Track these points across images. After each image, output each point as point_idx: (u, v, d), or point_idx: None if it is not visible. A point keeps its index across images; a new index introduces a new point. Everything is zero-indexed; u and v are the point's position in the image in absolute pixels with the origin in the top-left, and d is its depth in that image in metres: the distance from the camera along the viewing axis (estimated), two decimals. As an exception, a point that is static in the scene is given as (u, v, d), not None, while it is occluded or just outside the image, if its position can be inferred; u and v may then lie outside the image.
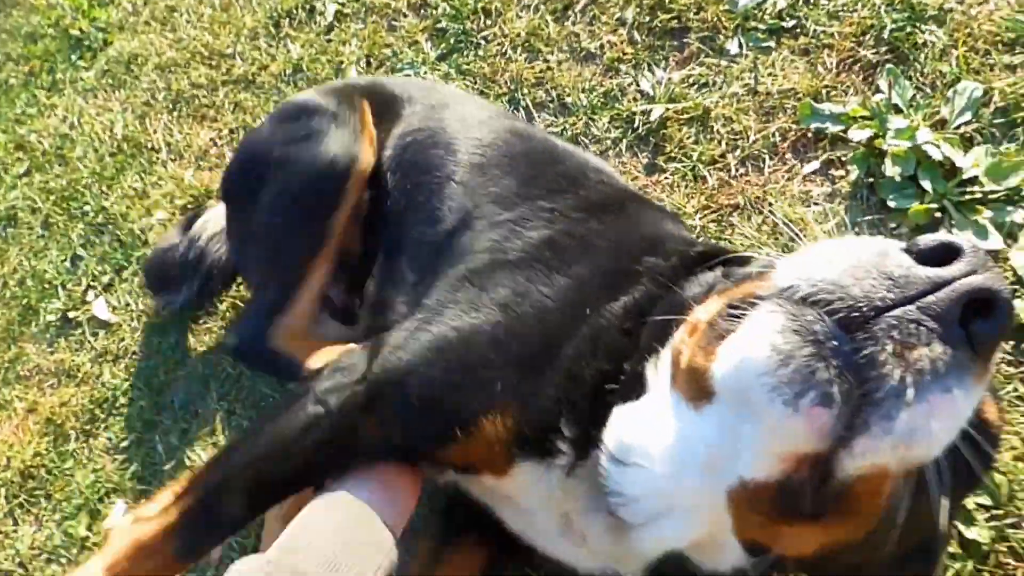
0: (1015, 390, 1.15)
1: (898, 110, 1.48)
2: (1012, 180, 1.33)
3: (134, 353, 1.77)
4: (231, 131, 2.04)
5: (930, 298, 0.53)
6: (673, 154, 1.60)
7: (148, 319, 1.81)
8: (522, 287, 0.97)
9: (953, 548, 1.05)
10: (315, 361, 1.25)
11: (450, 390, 0.90)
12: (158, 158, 2.07)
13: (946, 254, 0.55)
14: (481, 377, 0.89)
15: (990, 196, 1.33)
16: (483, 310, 0.95)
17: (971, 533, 1.05)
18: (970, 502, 1.07)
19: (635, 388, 0.82)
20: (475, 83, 1.88)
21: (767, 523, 0.68)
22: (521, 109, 1.79)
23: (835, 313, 0.55)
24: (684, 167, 1.58)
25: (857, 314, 0.54)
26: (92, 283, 1.89)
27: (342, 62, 2.06)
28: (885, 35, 1.55)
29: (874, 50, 1.56)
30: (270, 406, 1.57)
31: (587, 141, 1.69)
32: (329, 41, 2.11)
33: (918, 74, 1.51)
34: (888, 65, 1.53)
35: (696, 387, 0.66)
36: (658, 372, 0.79)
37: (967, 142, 1.41)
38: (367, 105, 1.34)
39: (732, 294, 0.68)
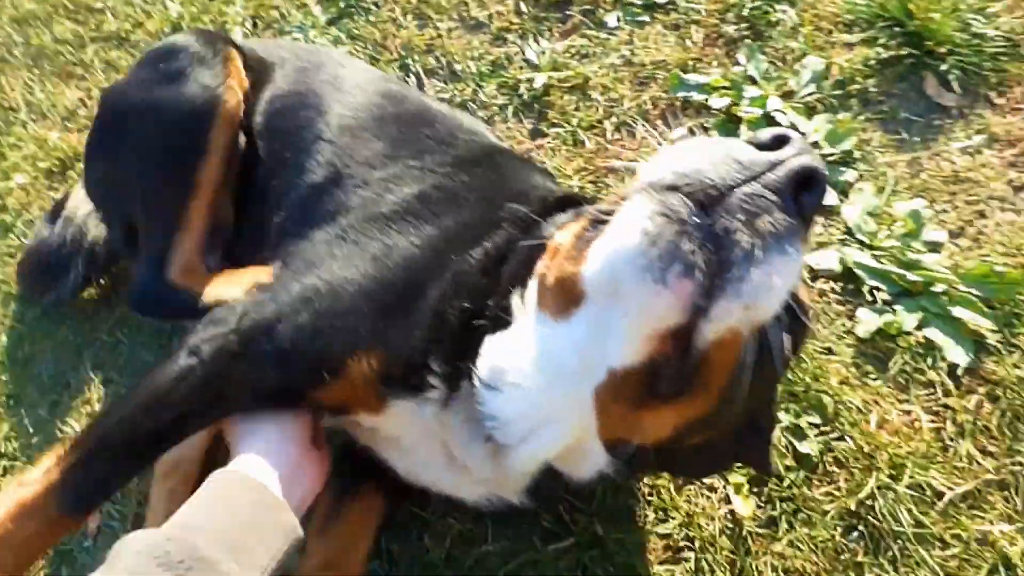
0: (842, 325, 1.31)
1: (753, 81, 1.62)
2: (846, 144, 1.49)
3: (-6, 325, 1.64)
4: (102, 91, 1.92)
5: (770, 175, 0.63)
6: (555, 120, 1.67)
7: (8, 288, 1.68)
8: (392, 239, 1.01)
9: (789, 462, 1.19)
10: (213, 288, 1.24)
11: (318, 336, 0.93)
12: (16, 118, 1.91)
13: (779, 143, 0.65)
14: (348, 323, 0.93)
15: (828, 158, 1.49)
16: (354, 263, 0.99)
17: (803, 447, 1.19)
18: (802, 421, 1.21)
19: (501, 320, 0.87)
20: (366, 48, 1.86)
21: (629, 414, 0.75)
22: (412, 75, 1.79)
23: (695, 195, 0.63)
24: (565, 132, 1.65)
25: (715, 192, 0.63)
26: (-60, 251, 1.73)
27: (226, 22, 1.98)
28: (745, 13, 1.69)
29: (735, 26, 1.69)
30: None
31: (475, 107, 1.73)
32: (211, -1, 2.02)
33: (772, 49, 1.66)
34: (747, 40, 1.67)
35: (565, 296, 0.72)
36: (524, 300, 0.85)
37: (810, 110, 1.56)
38: (235, 52, 1.30)
39: (596, 210, 0.75)
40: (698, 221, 0.62)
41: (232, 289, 1.21)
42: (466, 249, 0.96)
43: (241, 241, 1.30)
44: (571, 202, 1.01)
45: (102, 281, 1.59)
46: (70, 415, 1.49)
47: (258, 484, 0.84)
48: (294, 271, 1.03)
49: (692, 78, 1.64)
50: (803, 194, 0.63)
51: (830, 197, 1.44)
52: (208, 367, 0.93)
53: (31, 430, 1.50)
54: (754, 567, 1.13)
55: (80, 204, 1.48)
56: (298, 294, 0.96)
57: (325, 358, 0.92)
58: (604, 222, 0.70)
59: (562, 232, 0.79)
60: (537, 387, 0.79)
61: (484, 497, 1.03)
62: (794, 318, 0.73)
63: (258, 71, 1.34)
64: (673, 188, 0.64)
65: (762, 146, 0.65)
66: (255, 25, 1.97)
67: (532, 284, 0.83)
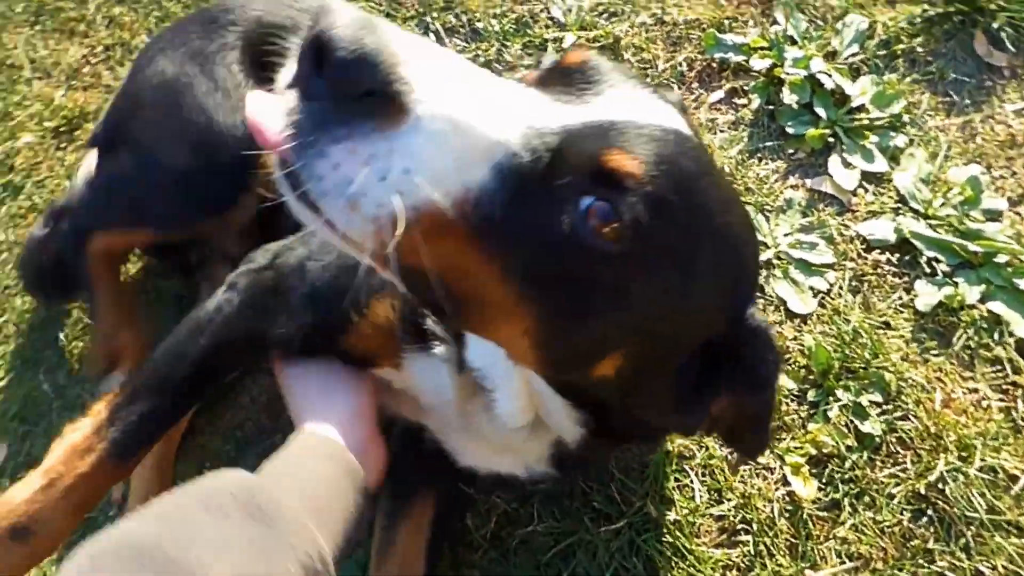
0: (900, 298, 1.17)
1: (793, 41, 1.44)
2: (894, 108, 1.33)
3: (7, 288, 1.46)
4: (106, 48, 1.69)
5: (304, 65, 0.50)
6: (586, 82, 1.49)
7: (21, 250, 1.49)
8: None
9: (850, 442, 1.07)
10: None
11: (344, 273, 0.86)
12: (20, 76, 1.68)
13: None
14: None
15: (875, 122, 1.33)
16: None
17: (865, 427, 1.06)
18: (863, 399, 1.08)
19: None
20: (380, 5, 1.65)
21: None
22: (431, 33, 1.59)
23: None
24: (597, 95, 1.47)
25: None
26: (-56, 216, 1.53)
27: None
28: (782, -32, 1.50)
29: (772, -17, 1.51)
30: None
31: (500, 68, 1.53)
32: (215, -46, 1.78)
33: (811, 7, 1.48)
34: (784, -2, 1.49)
35: None
36: None
37: (855, 72, 1.39)
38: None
39: None
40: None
41: None
42: None
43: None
44: None
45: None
46: (90, 381, 1.34)
47: (343, 449, 0.77)
48: None
49: (729, 38, 1.46)
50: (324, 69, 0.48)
51: (880, 163, 1.29)
52: (244, 298, 0.88)
53: (51, 395, 1.33)
54: (816, 551, 1.01)
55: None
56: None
57: (351, 296, 0.84)
58: None
59: None
60: None
61: (520, 468, 0.92)
62: (602, 186, 0.53)
63: (272, 44, 1.16)
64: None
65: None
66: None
67: None
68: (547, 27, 1.55)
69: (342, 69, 0.47)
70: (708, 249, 0.58)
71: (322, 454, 0.76)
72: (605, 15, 1.56)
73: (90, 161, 1.28)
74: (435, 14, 1.60)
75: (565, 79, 0.61)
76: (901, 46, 1.39)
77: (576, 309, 0.56)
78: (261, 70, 1.15)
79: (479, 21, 1.58)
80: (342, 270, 0.85)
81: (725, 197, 0.61)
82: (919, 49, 1.39)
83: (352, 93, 0.48)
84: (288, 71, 0.52)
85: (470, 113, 0.51)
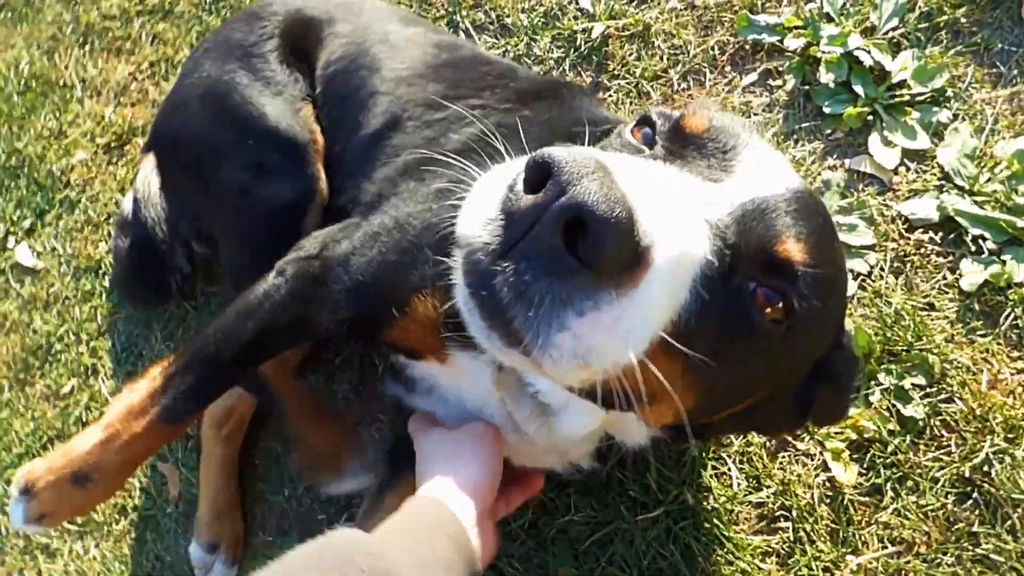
0: (944, 278, 1.15)
1: (830, 18, 1.42)
2: (937, 82, 1.30)
3: (66, 298, 1.59)
4: (151, 64, 1.80)
5: (531, 233, 0.47)
6: (616, 71, 1.50)
7: (78, 263, 1.61)
8: (458, 174, 0.93)
9: (892, 426, 1.06)
10: None
11: (386, 269, 0.89)
12: (72, 95, 1.81)
13: (542, 174, 0.47)
14: (413, 258, 0.88)
15: (917, 98, 1.30)
16: (419, 198, 0.94)
17: (908, 411, 1.05)
18: (906, 383, 1.07)
19: None
20: (411, 5, 1.70)
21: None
22: (461, 32, 1.63)
23: (477, 265, 0.51)
24: (628, 84, 1.48)
25: (484, 265, 0.50)
26: (12, 229, 1.67)
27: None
28: (816, -56, 1.48)
29: (806, -41, 1.49)
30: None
31: (530, 62, 1.57)
32: (252, -35, 1.87)
33: (849, -17, 1.45)
34: (820, -26, 1.46)
35: None
36: None
37: (895, 47, 1.37)
38: (317, 130, 1.16)
39: None
40: (487, 300, 0.51)
41: None
42: None
43: None
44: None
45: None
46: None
47: (462, 528, 0.76)
48: (362, 212, 1.01)
49: (762, 19, 1.45)
50: (581, 242, 0.45)
51: (923, 140, 1.26)
52: (291, 286, 0.94)
53: (109, 399, 1.45)
54: (857, 537, 1.01)
55: (151, 183, 1.36)
56: (368, 231, 0.94)
57: (393, 294, 0.87)
58: None
59: None
60: None
61: (561, 465, 0.95)
62: (772, 275, 0.57)
63: (309, 34, 1.22)
64: (467, 256, 0.53)
65: (529, 183, 0.48)
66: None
67: None
68: (576, 19, 1.58)
69: (602, 246, 0.45)
70: (841, 297, 0.66)
71: (445, 534, 0.75)
72: (634, 3, 1.57)
73: (147, 167, 1.36)
74: (464, 12, 1.64)
75: (700, 149, 0.62)
76: (944, 17, 1.36)
77: (736, 376, 0.61)
78: (298, 60, 1.21)
79: (508, 17, 1.61)
80: (384, 267, 0.89)
81: (839, 240, 0.68)
82: (963, 20, 1.35)
83: (608, 266, 0.46)
84: (486, 236, 0.50)
85: (682, 238, 0.51)
